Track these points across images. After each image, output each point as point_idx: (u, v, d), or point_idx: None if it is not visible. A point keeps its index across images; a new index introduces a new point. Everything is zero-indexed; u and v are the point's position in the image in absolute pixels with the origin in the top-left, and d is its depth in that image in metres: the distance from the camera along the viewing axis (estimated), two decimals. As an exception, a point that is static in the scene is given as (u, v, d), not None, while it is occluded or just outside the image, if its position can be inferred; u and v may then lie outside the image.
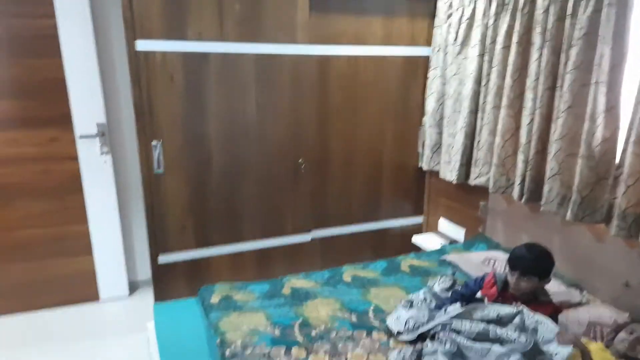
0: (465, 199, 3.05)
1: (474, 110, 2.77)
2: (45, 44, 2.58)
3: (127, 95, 2.84)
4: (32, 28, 2.54)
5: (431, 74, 3.09)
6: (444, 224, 3.28)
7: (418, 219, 3.49)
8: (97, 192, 2.88)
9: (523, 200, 2.44)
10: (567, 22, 2.15)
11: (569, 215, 2.16)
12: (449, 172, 2.99)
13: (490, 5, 2.60)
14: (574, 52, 2.11)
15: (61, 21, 2.57)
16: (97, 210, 2.92)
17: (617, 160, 2.03)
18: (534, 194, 2.41)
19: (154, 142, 2.57)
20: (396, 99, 3.16)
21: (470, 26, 2.75)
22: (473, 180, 2.81)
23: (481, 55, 2.67)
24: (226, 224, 2.87)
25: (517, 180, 2.46)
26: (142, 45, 2.45)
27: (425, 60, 3.14)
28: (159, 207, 2.68)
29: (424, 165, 3.24)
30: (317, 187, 3.09)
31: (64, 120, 2.71)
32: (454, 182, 2.93)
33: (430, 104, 3.11)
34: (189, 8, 2.50)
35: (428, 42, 3.11)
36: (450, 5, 2.90)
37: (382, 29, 2.98)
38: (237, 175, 2.83)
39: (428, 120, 3.14)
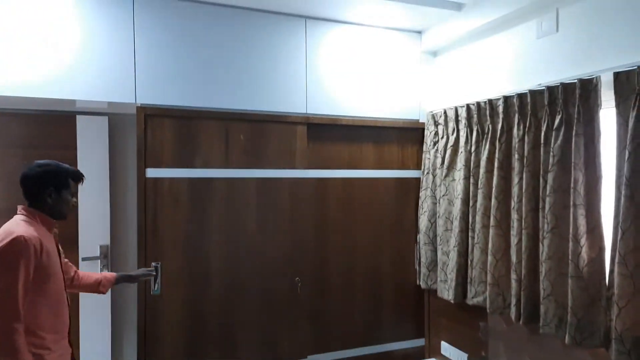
0: (466, 319, 2.98)
1: (465, 229, 2.86)
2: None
3: (133, 216, 2.98)
4: (55, 158, 2.78)
5: (422, 194, 3.25)
6: (446, 348, 3.15)
7: (420, 342, 3.37)
8: (92, 313, 2.87)
9: (521, 321, 2.40)
10: (542, 149, 2.34)
11: (567, 339, 2.11)
12: (446, 291, 2.98)
13: (471, 134, 2.84)
14: (550, 177, 2.26)
15: (81, 154, 2.81)
16: (90, 331, 2.87)
17: (607, 280, 2.05)
18: (531, 314, 2.38)
19: (154, 263, 2.64)
20: (391, 218, 3.28)
21: (455, 152, 2.98)
22: (470, 300, 2.79)
23: (467, 178, 2.84)
24: (220, 346, 2.80)
25: (513, 301, 2.45)
26: (152, 172, 2.66)
27: (417, 181, 3.32)
28: (153, 328, 2.65)
29: (422, 283, 3.24)
30: (315, 307, 3.06)
31: (70, 242, 2.81)
32: (452, 301, 2.90)
33: (423, 222, 3.22)
34: (199, 142, 2.76)
35: (418, 166, 3.33)
36: (436, 134, 3.17)
37: (374, 154, 3.23)
38: (234, 297, 2.84)
39: (422, 238, 3.22)
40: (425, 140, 3.26)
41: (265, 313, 2.91)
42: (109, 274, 2.20)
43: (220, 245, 2.81)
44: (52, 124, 2.79)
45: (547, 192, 2.27)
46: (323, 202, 3.09)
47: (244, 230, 2.87)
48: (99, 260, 2.87)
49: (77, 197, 1.94)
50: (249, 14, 2.84)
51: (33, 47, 2.39)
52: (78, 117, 2.82)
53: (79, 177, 1.91)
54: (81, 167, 2.82)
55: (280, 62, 2.92)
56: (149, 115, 2.65)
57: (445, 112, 3.07)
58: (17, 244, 1.61)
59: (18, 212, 1.79)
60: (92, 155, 2.84)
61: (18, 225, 1.69)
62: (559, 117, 2.24)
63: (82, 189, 2.83)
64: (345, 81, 3.10)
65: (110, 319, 2.92)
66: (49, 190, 1.80)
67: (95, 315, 2.88)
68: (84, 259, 2.83)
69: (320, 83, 3.03)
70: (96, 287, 2.13)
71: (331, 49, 3.06)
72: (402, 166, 3.31)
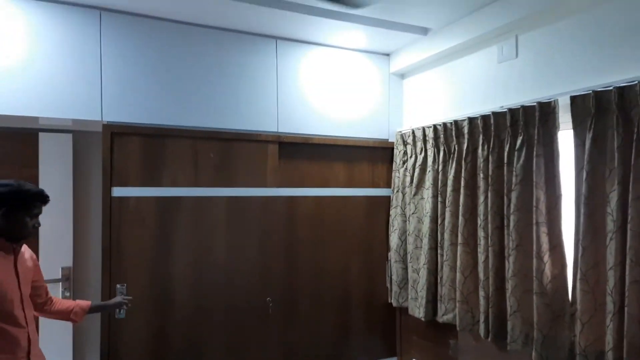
0: (436, 337, 3.00)
1: (434, 247, 2.90)
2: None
3: (97, 237, 2.88)
4: (15, 176, 2.68)
5: (392, 212, 3.29)
6: (418, 365, 3.16)
7: (392, 360, 3.36)
8: (52, 338, 2.74)
9: (489, 338, 2.43)
10: (505, 169, 2.41)
11: (534, 355, 2.16)
12: (417, 309, 3.00)
13: (439, 153, 2.91)
14: (514, 195, 2.33)
15: (43, 172, 2.72)
16: (50, 355, 2.73)
17: (570, 297, 2.11)
18: (499, 331, 2.42)
19: (118, 286, 2.56)
20: (362, 235, 3.29)
21: (423, 171, 3.04)
22: (440, 318, 2.82)
23: (435, 197, 2.90)
24: (188, 371, 2.72)
25: (482, 318, 2.49)
26: (118, 191, 2.60)
27: (387, 199, 3.36)
28: (117, 352, 2.55)
29: (393, 301, 3.25)
30: (285, 327, 3.02)
31: (30, 264, 2.69)
32: (423, 319, 2.92)
33: (393, 240, 3.25)
34: (167, 160, 2.72)
35: (388, 184, 3.37)
36: (405, 153, 3.23)
37: (345, 173, 3.26)
38: (202, 318, 2.77)
39: (393, 255, 3.24)
40: (394, 159, 3.32)
41: (234, 334, 2.85)
42: (83, 302, 2.13)
43: (188, 265, 2.75)
44: (14, 141, 2.70)
45: (511, 210, 2.34)
46: (294, 220, 3.08)
47: (213, 250, 2.82)
48: (60, 283, 2.75)
49: (38, 219, 1.88)
50: (220, 34, 2.85)
51: (-6, 63, 2.32)
52: (40, 134, 2.74)
53: (43, 198, 1.86)
54: (43, 185, 2.72)
55: (251, 81, 2.93)
56: (116, 133, 2.60)
57: (413, 132, 3.14)
58: None
59: None
60: (55, 173, 2.75)
61: None
62: (521, 138, 2.33)
63: (44, 209, 2.73)
64: (316, 101, 3.13)
65: (72, 342, 2.80)
66: (4, 211, 1.74)
67: (56, 338, 2.75)
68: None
69: (291, 102, 3.05)
70: (67, 315, 2.06)
71: (302, 69, 3.09)
72: (373, 185, 3.35)
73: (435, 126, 2.92)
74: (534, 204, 2.24)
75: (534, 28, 2.40)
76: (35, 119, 2.48)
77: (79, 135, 2.86)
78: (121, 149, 2.61)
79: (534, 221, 2.23)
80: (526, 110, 2.32)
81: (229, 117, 2.87)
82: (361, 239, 3.29)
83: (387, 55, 3.38)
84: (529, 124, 2.31)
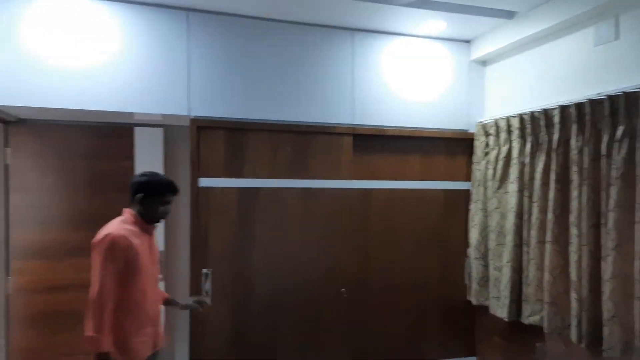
0: (520, 339, 2.85)
1: (519, 244, 2.75)
2: (124, 182, 2.94)
3: (185, 224, 3.09)
4: (114, 168, 2.95)
5: (472, 207, 3.15)
6: (498, 366, 3.02)
7: None
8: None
9: (583, 343, 2.26)
10: (603, 162, 2.21)
11: (634, 364, 1.97)
12: (500, 309, 2.86)
13: (525, 145, 2.74)
14: (613, 191, 2.13)
15: (138, 163, 2.96)
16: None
17: (680, 303, 1.90)
18: (594, 337, 2.24)
19: (204, 270, 2.72)
20: (438, 230, 3.20)
21: (507, 164, 2.88)
22: (526, 319, 2.67)
23: (521, 191, 2.74)
24: (263, 354, 2.83)
25: (574, 322, 2.32)
26: (204, 182, 2.75)
27: (466, 193, 3.23)
28: (202, 336, 2.72)
29: (473, 299, 3.13)
30: (358, 319, 3.03)
31: (127, 247, 2.95)
32: (506, 319, 2.78)
33: (473, 236, 3.12)
34: (246, 153, 2.83)
35: (467, 178, 3.24)
36: (487, 145, 3.08)
37: (421, 165, 3.18)
38: (278, 305, 2.87)
39: (473, 252, 3.12)
40: (475, 151, 3.18)
41: (308, 323, 2.91)
42: (164, 293, 2.38)
43: (265, 253, 2.85)
44: (113, 136, 2.96)
45: (610, 207, 2.14)
46: (367, 212, 3.07)
47: (288, 238, 2.90)
48: (153, 266, 2.98)
49: (168, 206, 2.15)
50: (298, 28, 2.89)
51: (95, 62, 2.54)
52: (136, 129, 2.97)
53: (173, 189, 2.14)
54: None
55: (327, 74, 2.95)
56: (202, 127, 2.75)
57: (496, 123, 2.98)
58: (108, 241, 1.92)
59: (122, 213, 2.11)
60: (148, 165, 2.97)
61: (113, 224, 2.02)
62: (622, 128, 2.12)
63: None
64: (392, 91, 3.08)
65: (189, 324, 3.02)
66: (140, 196, 2.06)
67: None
68: (139, 265, 2.95)
69: (367, 94, 3.03)
70: None
71: (378, 59, 3.06)
72: (451, 178, 3.23)
73: (521, 116, 2.75)
74: (637, 200, 2.03)
75: (637, 6, 2.16)
76: (131, 114, 2.70)
77: (169, 129, 3.07)
78: (206, 142, 2.77)
79: (636, 220, 2.02)
80: (629, 97, 2.10)
81: (305, 110, 2.91)
82: (437, 234, 3.20)
83: (468, 42, 3.23)
84: (632, 113, 2.09)
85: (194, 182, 2.74)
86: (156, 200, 2.09)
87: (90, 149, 2.93)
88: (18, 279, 2.82)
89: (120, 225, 2.02)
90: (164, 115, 2.75)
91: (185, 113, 2.71)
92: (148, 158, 2.97)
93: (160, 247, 2.99)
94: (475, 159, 3.18)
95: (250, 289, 2.83)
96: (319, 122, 2.94)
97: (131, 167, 2.94)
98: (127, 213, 2.11)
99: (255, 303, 2.83)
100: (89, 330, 1.87)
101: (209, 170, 2.77)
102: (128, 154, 2.96)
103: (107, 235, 1.95)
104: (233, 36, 2.78)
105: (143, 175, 2.13)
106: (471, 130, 3.23)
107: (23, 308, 2.83)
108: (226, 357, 2.77)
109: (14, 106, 2.47)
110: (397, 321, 3.12)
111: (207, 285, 2.69)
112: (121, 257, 1.94)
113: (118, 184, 2.94)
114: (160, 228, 3.00)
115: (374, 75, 3.05)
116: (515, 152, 2.81)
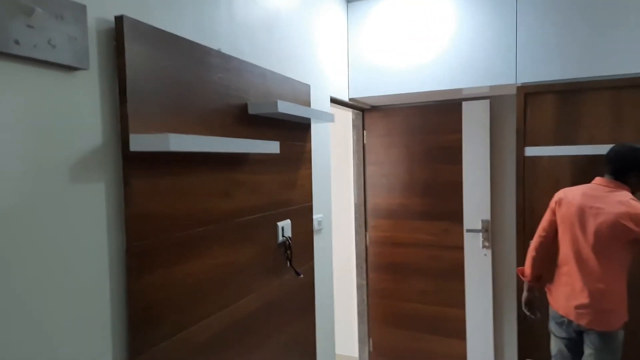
0: None
1: None
2: (451, 154, 3.21)
3: (510, 195, 3.06)
4: (444, 141, 3.24)
5: None
6: None
7: None
8: (475, 282, 3.16)
9: None
10: None
11: None
12: None
13: None
14: None
15: (465, 137, 3.14)
16: (474, 298, 3.17)
17: None
18: None
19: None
20: None
21: None
22: None
23: None
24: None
25: None
26: (530, 151, 2.65)
27: None
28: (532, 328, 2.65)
29: None
30: None
31: (456, 215, 3.20)
32: None
33: None
34: (580, 117, 2.53)
35: None
36: None
37: None
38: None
39: None
40: None
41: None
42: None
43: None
44: (443, 112, 3.24)
45: None
46: None
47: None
48: (480, 234, 3.11)
49: None
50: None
51: (432, 49, 2.85)
52: (463, 103, 3.15)
53: None
54: (465, 149, 3.15)
55: None
56: (529, 94, 2.64)
57: None
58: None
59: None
60: (474, 137, 3.11)
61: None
62: None
63: (467, 169, 3.17)
64: None
65: (492, 291, 3.13)
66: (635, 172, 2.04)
67: (480, 304, 3.16)
68: (467, 231, 3.15)
69: None
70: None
71: None
72: None
73: None
74: None
75: None
76: (459, 90, 2.88)
77: (494, 99, 3.10)
78: (534, 109, 2.64)
79: None
80: None
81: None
82: None
83: None
84: None
85: (519, 152, 2.67)
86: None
87: (424, 125, 3.31)
88: (371, 233, 3.53)
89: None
90: (491, 87, 2.79)
91: (511, 82, 2.67)
92: (474, 130, 3.10)
93: (486, 217, 3.11)
94: None
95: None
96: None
97: (459, 140, 3.15)
98: (603, 182, 2.11)
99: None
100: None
101: (536, 138, 2.64)
102: (457, 127, 3.18)
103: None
104: (565, -12, 2.52)
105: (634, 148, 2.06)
106: None
107: (376, 257, 3.53)
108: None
109: (370, 96, 3.07)
110: None
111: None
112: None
113: (447, 156, 3.21)
114: (486, 197, 3.09)
115: None
116: None
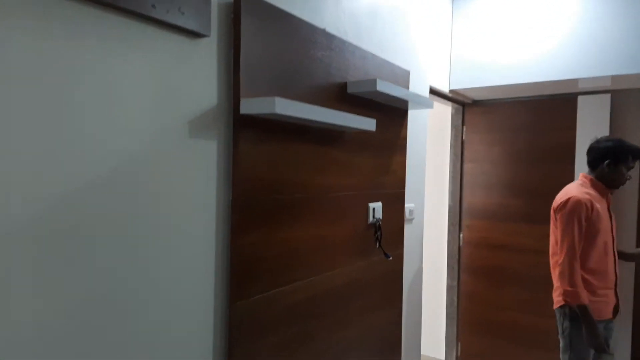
0: None
1: None
2: (562, 153, 2.95)
3: (632, 201, 2.73)
4: (553, 140, 2.99)
5: None
6: None
7: None
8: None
9: None
10: None
11: None
12: None
13: None
14: None
15: (580, 134, 2.87)
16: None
17: None
18: None
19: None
20: None
21: None
22: None
23: None
24: None
25: None
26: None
27: None
28: None
29: None
30: None
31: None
32: None
33: None
34: None
35: None
36: None
37: None
38: None
39: None
40: None
41: None
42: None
43: None
44: (553, 108, 2.99)
45: None
46: None
47: None
48: None
49: (629, 172, 2.15)
50: None
51: (541, 32, 2.65)
52: (579, 97, 2.88)
53: (637, 154, 2.12)
54: (579, 148, 2.88)
55: None
56: (661, 86, 2.34)
57: None
58: (572, 202, 2.06)
59: (578, 178, 2.25)
60: (591, 136, 2.82)
61: (572, 188, 2.15)
62: None
63: (579, 170, 2.90)
64: None
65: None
66: (607, 162, 2.12)
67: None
68: None
69: None
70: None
71: None
72: None
73: None
74: None
75: None
76: (575, 81, 2.63)
77: (617, 94, 2.79)
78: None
79: None
80: None
81: None
82: None
83: None
84: None
85: None
86: (621, 165, 2.10)
87: (531, 121, 3.09)
88: (465, 234, 3.37)
89: (579, 188, 2.13)
90: (613, 77, 2.52)
91: (638, 71, 2.39)
92: (592, 127, 2.82)
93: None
94: None
95: None
96: None
97: (572, 138, 2.89)
98: (584, 177, 2.21)
99: None
100: (564, 284, 2.02)
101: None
102: (569, 124, 2.92)
103: (569, 198, 2.08)
104: None
105: (608, 140, 2.15)
106: None
107: (470, 259, 3.36)
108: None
109: (473, 88, 2.92)
110: None
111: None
112: (584, 217, 2.05)
113: (557, 155, 2.96)
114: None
115: None
116: None
